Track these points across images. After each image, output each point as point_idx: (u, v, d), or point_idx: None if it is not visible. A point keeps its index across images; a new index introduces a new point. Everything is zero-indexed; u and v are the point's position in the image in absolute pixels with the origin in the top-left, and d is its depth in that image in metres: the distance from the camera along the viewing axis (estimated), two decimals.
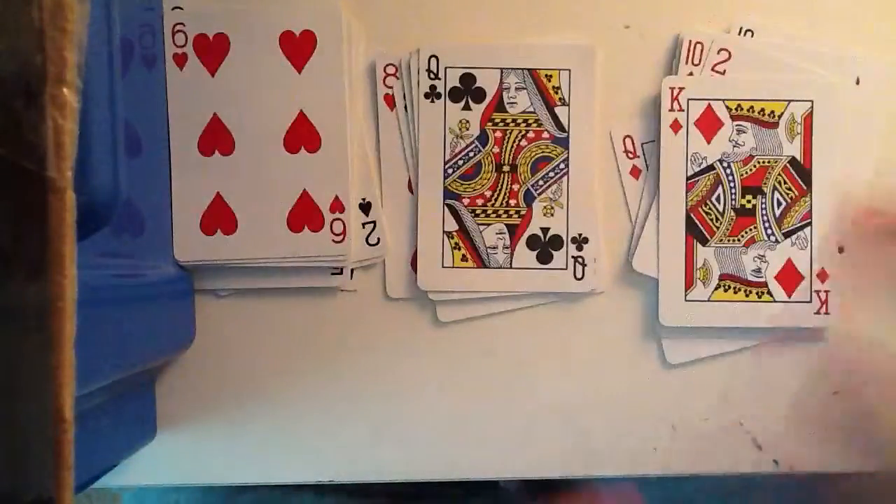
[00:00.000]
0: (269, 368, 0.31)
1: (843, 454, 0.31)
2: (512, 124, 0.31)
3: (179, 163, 0.30)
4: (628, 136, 0.31)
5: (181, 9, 0.30)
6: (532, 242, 0.31)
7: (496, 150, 0.31)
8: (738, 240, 0.30)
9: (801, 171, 0.30)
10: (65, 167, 0.16)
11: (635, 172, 0.30)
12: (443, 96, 0.31)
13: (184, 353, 0.31)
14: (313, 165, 0.30)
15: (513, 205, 0.31)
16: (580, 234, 0.31)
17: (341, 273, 0.31)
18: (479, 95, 0.31)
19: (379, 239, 0.31)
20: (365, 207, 0.31)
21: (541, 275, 0.31)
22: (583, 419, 0.31)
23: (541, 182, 0.31)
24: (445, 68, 0.31)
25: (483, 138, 0.31)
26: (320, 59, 0.30)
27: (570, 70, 0.30)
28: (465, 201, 0.31)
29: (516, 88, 0.30)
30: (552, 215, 0.31)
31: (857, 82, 0.30)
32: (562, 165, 0.31)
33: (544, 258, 0.31)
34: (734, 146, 0.30)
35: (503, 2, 0.31)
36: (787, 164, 0.30)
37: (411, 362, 0.31)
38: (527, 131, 0.31)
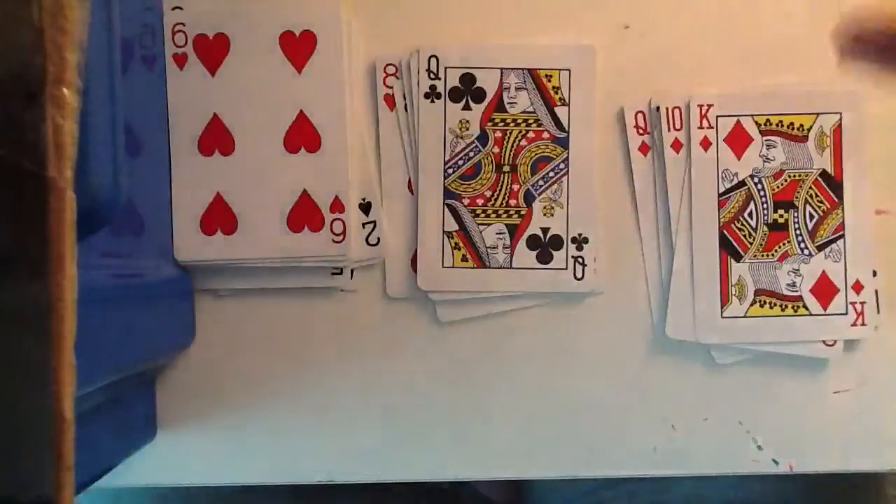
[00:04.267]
0: (269, 368, 0.31)
1: (843, 454, 0.31)
2: (512, 124, 0.31)
3: (179, 163, 0.30)
4: (640, 111, 0.30)
5: (181, 9, 0.30)
6: (532, 242, 0.31)
7: (496, 150, 0.31)
8: (772, 255, 0.30)
9: (833, 183, 0.30)
10: (65, 167, 0.16)
11: (644, 149, 0.30)
12: (443, 96, 0.31)
13: (184, 353, 0.31)
14: (313, 165, 0.30)
15: (513, 205, 0.31)
16: (580, 234, 0.31)
17: (341, 273, 0.31)
18: (479, 95, 0.31)
19: (379, 239, 0.31)
20: (365, 207, 0.31)
21: (541, 275, 0.31)
22: (582, 419, 0.31)
23: (541, 182, 0.31)
24: (445, 68, 0.31)
25: (483, 138, 0.31)
26: (320, 59, 0.30)
27: (570, 70, 0.30)
28: (466, 201, 0.31)
29: (516, 88, 0.31)
30: (552, 215, 0.31)
31: None
32: (562, 165, 0.31)
33: (544, 258, 0.31)
34: (764, 161, 0.30)
35: (503, 2, 0.31)
36: (818, 178, 0.30)
37: (411, 362, 0.31)
38: (527, 131, 0.31)
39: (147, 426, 0.31)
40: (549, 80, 0.30)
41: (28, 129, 0.16)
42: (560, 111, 0.31)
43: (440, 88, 0.31)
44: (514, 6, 0.31)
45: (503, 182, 0.31)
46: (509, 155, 0.31)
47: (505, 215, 0.31)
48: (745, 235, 0.30)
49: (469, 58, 0.31)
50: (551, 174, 0.31)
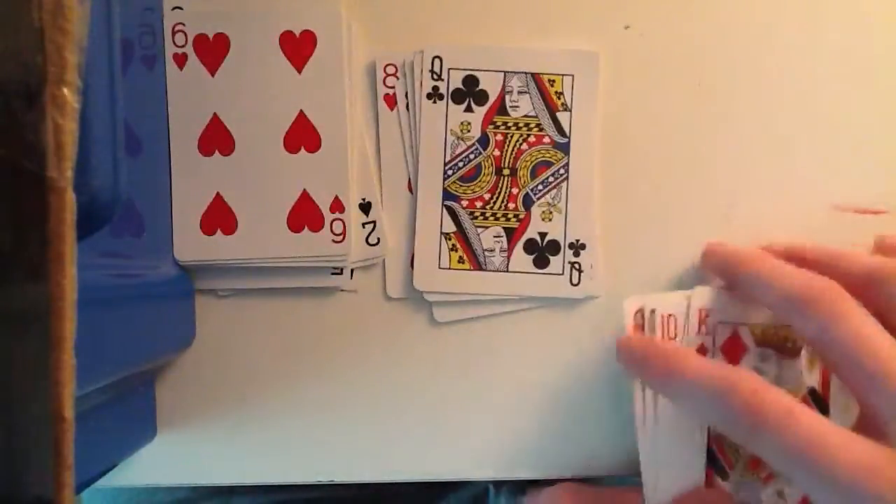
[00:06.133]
0: (269, 368, 0.31)
1: None
2: (513, 128, 0.31)
3: (179, 163, 0.30)
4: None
5: (181, 9, 0.30)
6: (529, 246, 0.31)
7: (497, 153, 0.31)
8: (758, 475, 0.28)
9: (820, 402, 0.28)
10: (65, 167, 0.16)
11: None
12: (445, 97, 0.31)
13: (184, 353, 0.31)
14: (313, 165, 0.30)
15: (511, 208, 0.31)
16: (578, 240, 0.31)
17: (341, 273, 0.31)
18: (481, 98, 0.31)
19: (379, 239, 0.31)
20: (365, 207, 0.31)
21: (537, 279, 0.31)
22: (580, 420, 0.31)
23: (540, 186, 0.31)
24: (448, 70, 0.30)
25: (484, 141, 0.31)
26: (320, 59, 0.30)
27: (573, 76, 0.30)
28: (464, 203, 0.31)
29: (519, 92, 0.30)
30: (550, 220, 0.31)
31: None
32: (562, 171, 0.31)
33: (541, 263, 0.31)
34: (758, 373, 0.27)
35: (501, 3, 0.31)
36: (807, 394, 0.28)
37: (410, 362, 0.31)
38: (528, 135, 0.31)
39: (147, 426, 0.31)
40: (552, 85, 0.30)
41: (28, 129, 0.16)
42: (562, 116, 0.31)
43: (443, 89, 0.31)
44: (512, 7, 0.31)
45: (502, 185, 0.31)
46: (510, 158, 0.31)
47: (503, 218, 0.31)
48: (732, 453, 0.28)
49: (472, 60, 0.30)
50: (551, 179, 0.31)
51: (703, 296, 0.28)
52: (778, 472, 0.24)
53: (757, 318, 0.28)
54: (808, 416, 0.20)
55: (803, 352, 0.27)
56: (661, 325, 0.27)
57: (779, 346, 0.28)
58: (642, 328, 0.28)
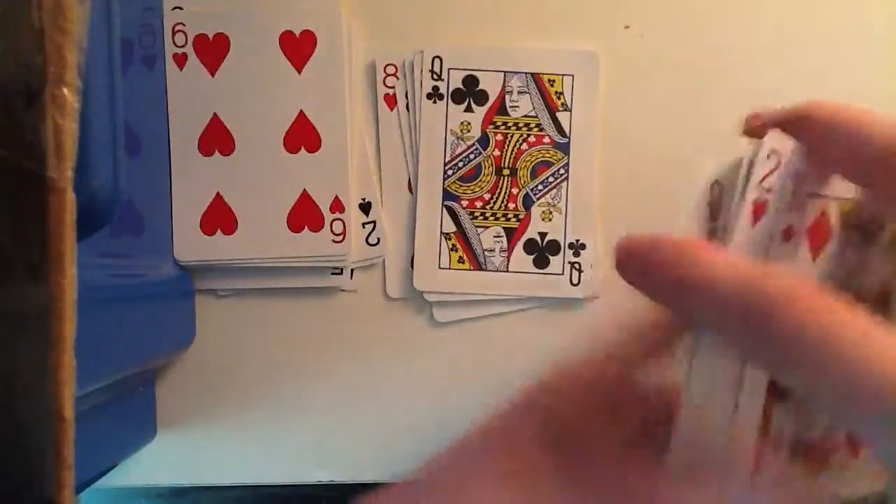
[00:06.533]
0: (269, 368, 0.31)
1: None
2: (513, 128, 0.31)
3: (179, 163, 0.30)
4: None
5: (181, 9, 0.30)
6: (529, 247, 0.31)
7: (497, 153, 0.31)
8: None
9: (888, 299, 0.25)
10: (65, 167, 0.16)
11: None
12: (445, 97, 0.31)
13: (184, 353, 0.31)
14: (313, 165, 0.30)
15: (511, 208, 0.31)
16: (577, 240, 0.31)
17: (341, 273, 0.31)
18: (481, 98, 0.31)
19: (379, 239, 0.31)
20: (365, 207, 0.31)
21: (537, 279, 0.31)
22: None
23: (540, 187, 0.31)
24: (449, 70, 0.30)
25: (484, 141, 0.31)
26: (320, 59, 0.30)
27: (573, 76, 0.30)
28: (464, 203, 0.31)
29: (519, 92, 0.30)
30: (550, 220, 0.31)
31: None
32: (562, 171, 0.31)
33: (541, 263, 0.31)
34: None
35: (500, 4, 0.31)
36: (888, 290, 0.25)
37: (410, 362, 0.31)
38: (528, 135, 0.31)
39: (147, 426, 0.31)
40: (553, 85, 0.30)
41: (28, 129, 0.16)
42: (562, 116, 0.31)
43: (443, 89, 0.31)
44: (510, 8, 0.31)
45: (502, 185, 0.31)
46: (510, 158, 0.31)
47: (503, 219, 0.31)
48: None
49: (472, 60, 0.30)
50: (551, 179, 0.31)
51: (792, 163, 0.20)
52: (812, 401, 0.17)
53: (843, 192, 0.20)
54: (858, 319, 0.14)
55: (884, 235, 0.22)
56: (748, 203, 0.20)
57: (864, 227, 0.23)
58: (717, 205, 0.22)
